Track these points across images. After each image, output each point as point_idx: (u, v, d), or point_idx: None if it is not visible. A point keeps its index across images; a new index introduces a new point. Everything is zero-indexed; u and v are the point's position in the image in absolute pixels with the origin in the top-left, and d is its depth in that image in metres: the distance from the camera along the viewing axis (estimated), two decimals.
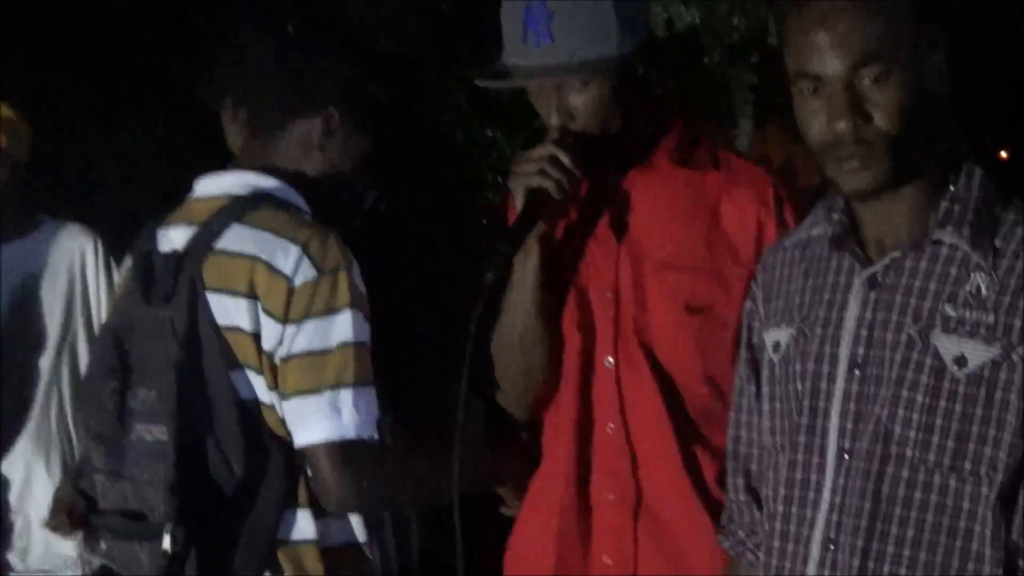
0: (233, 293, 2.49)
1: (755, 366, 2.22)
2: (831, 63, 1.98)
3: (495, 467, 2.72)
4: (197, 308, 2.48)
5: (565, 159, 2.46)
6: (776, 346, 2.16)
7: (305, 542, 2.52)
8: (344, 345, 2.48)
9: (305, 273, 2.49)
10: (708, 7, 7.41)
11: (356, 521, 2.58)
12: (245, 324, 2.48)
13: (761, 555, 2.20)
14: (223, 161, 2.65)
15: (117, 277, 3.83)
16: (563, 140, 2.48)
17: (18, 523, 3.76)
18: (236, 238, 2.51)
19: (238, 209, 2.54)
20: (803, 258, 2.17)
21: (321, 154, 2.62)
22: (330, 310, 2.48)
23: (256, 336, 2.49)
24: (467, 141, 7.33)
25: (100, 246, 3.87)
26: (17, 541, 3.77)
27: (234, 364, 2.47)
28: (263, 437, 2.48)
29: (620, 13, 2.48)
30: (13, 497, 3.76)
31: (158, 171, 6.52)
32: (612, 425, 2.55)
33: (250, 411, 2.48)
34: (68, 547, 3.76)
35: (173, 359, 2.45)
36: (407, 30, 6.72)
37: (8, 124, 3.80)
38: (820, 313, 2.09)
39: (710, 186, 2.54)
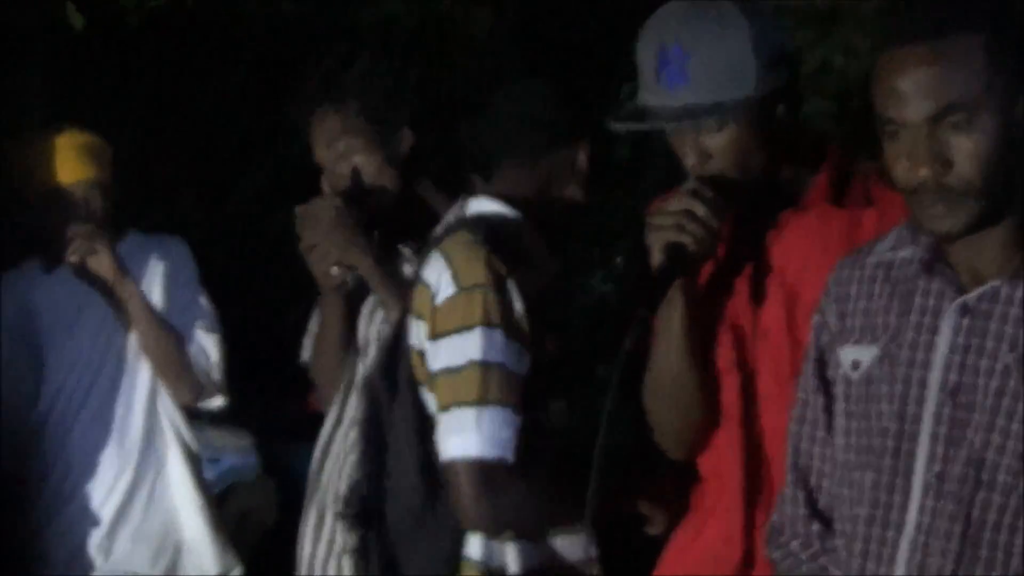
0: (418, 316, 2.70)
1: (823, 379, 2.23)
2: (913, 110, 1.99)
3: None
4: (401, 329, 2.76)
5: (702, 212, 2.40)
6: (855, 364, 2.16)
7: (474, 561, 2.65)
8: (473, 364, 2.57)
9: (446, 290, 2.62)
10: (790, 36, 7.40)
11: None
12: (417, 344, 2.70)
13: (812, 567, 2.22)
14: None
15: (196, 284, 3.91)
16: (700, 191, 2.42)
17: (107, 521, 3.81)
18: (430, 265, 2.70)
19: (440, 237, 2.74)
20: (887, 278, 2.17)
21: (575, 184, 2.74)
22: (463, 327, 2.58)
23: (422, 354, 2.68)
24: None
25: (182, 250, 3.93)
26: (105, 540, 3.81)
27: (418, 382, 2.71)
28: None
29: (759, 52, 2.42)
30: (102, 499, 3.82)
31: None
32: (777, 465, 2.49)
33: (429, 428, 2.65)
34: (150, 546, 3.83)
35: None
36: None
37: (94, 151, 3.85)
38: (908, 336, 2.10)
39: (865, 225, 2.48)
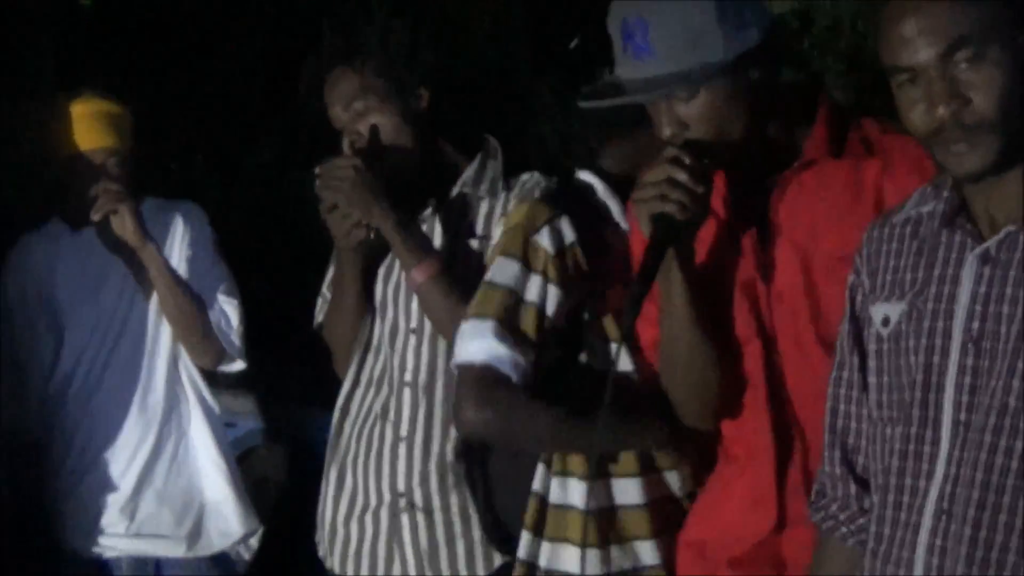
0: None
1: (859, 339, 2.23)
2: (923, 52, 1.99)
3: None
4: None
5: (683, 177, 2.36)
6: (885, 320, 2.17)
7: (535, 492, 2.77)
8: (483, 283, 2.77)
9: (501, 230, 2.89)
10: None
11: None
12: None
13: (851, 528, 2.24)
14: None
15: (208, 243, 3.92)
16: (679, 158, 2.38)
17: (131, 485, 3.83)
18: None
19: None
20: (914, 235, 2.18)
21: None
22: (491, 259, 2.80)
23: None
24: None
25: (195, 216, 3.93)
26: (129, 503, 3.83)
27: None
28: None
29: (723, 17, 2.37)
30: (126, 462, 3.84)
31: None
32: (804, 427, 2.51)
33: None
34: (174, 509, 3.85)
35: None
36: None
37: (115, 120, 3.86)
38: (932, 289, 2.11)
39: (869, 174, 2.46)
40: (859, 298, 2.24)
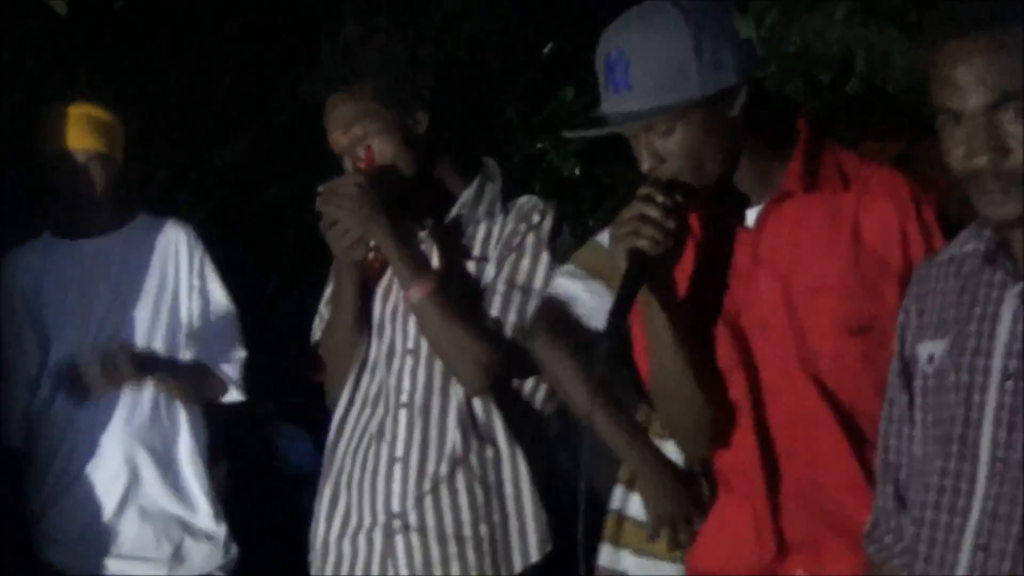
0: None
1: (908, 377, 2.26)
2: (970, 100, 2.02)
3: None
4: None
5: (654, 214, 2.42)
6: (931, 358, 2.20)
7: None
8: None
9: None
10: (761, 20, 7.44)
11: None
12: None
13: (904, 560, 2.25)
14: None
15: (209, 270, 3.92)
16: (651, 195, 2.43)
17: (113, 503, 3.82)
18: None
19: None
20: (956, 274, 2.21)
21: None
22: None
23: None
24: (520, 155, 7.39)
25: (192, 236, 3.94)
26: (112, 520, 3.82)
27: None
28: None
29: (700, 54, 2.44)
30: (110, 479, 3.82)
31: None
32: (790, 447, 2.55)
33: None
34: (156, 528, 3.84)
35: None
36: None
37: (105, 127, 3.89)
38: (973, 326, 2.14)
39: (845, 205, 2.52)
40: (908, 337, 2.28)
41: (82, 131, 3.85)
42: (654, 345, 2.54)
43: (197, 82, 6.32)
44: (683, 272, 2.55)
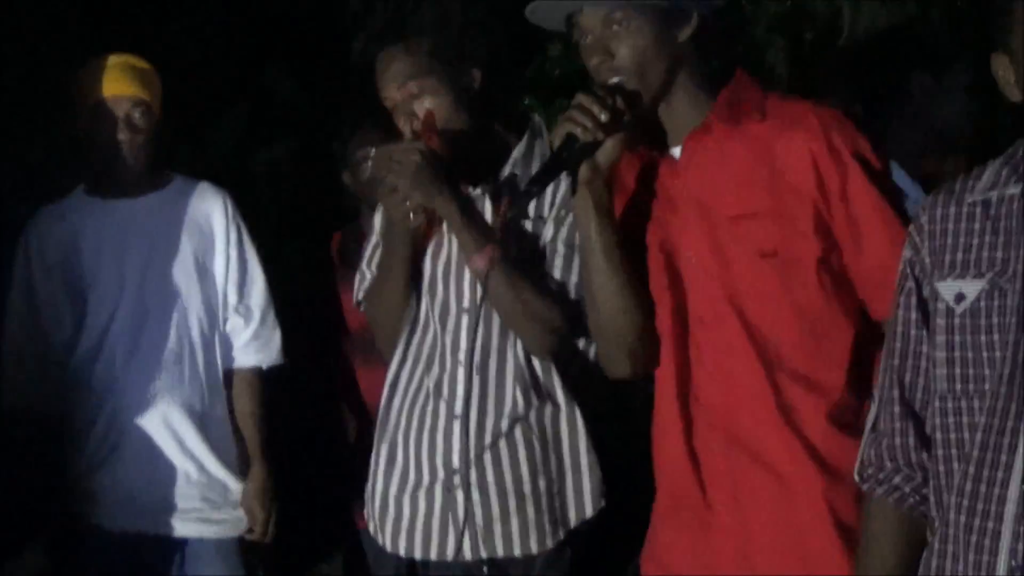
0: None
1: (923, 312, 2.29)
2: None
3: None
4: None
5: (591, 105, 2.59)
6: (959, 297, 2.23)
7: None
8: None
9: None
10: None
11: None
12: None
13: (917, 498, 2.31)
14: None
15: (247, 241, 3.92)
16: (592, 91, 2.62)
17: (159, 464, 3.80)
18: None
19: None
20: (987, 215, 2.24)
21: None
22: None
23: None
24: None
25: (230, 203, 3.92)
26: (157, 481, 3.81)
27: None
28: None
29: None
30: (156, 441, 3.80)
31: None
32: (708, 377, 2.67)
33: None
34: (203, 491, 3.84)
35: None
36: None
37: (145, 75, 3.86)
38: (1020, 268, 2.17)
39: (761, 136, 2.64)
40: (918, 274, 2.30)
41: (124, 78, 3.81)
42: (585, 250, 2.71)
43: (194, 49, 6.30)
44: (619, 200, 2.73)
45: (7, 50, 6.08)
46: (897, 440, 2.34)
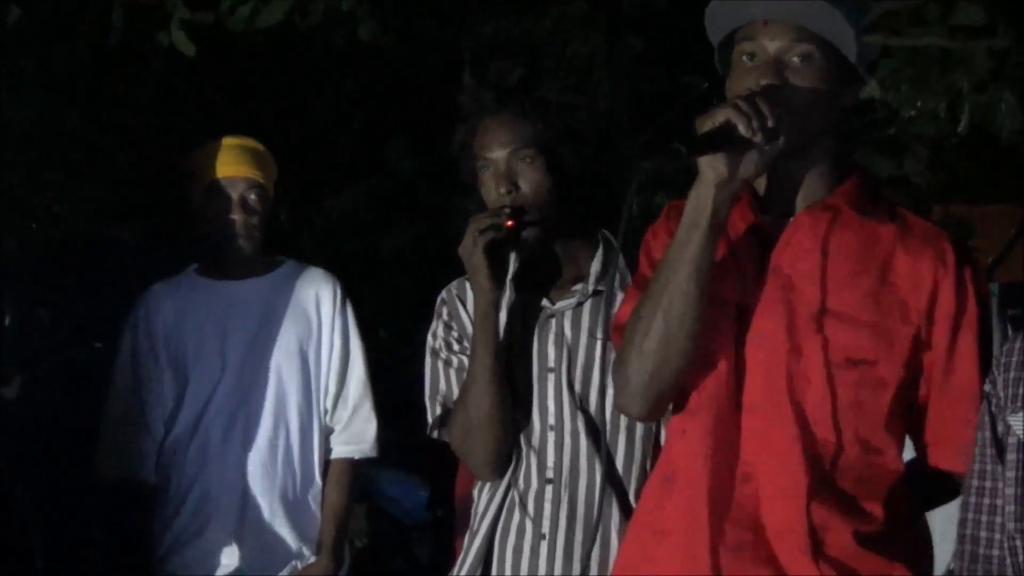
0: None
1: (1000, 448, 2.26)
2: None
3: None
4: None
5: (764, 106, 2.35)
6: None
7: None
8: None
9: None
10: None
11: None
12: None
13: None
14: None
15: (353, 330, 3.93)
16: (768, 91, 2.39)
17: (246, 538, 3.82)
18: None
19: None
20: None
21: None
22: None
23: None
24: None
25: (339, 290, 3.93)
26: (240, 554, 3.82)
27: None
28: None
29: (856, 23, 2.44)
30: (231, 508, 3.82)
31: None
32: (747, 471, 2.45)
33: None
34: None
35: None
36: None
37: (260, 157, 3.91)
38: None
39: (884, 238, 2.46)
40: (995, 409, 2.27)
41: (239, 160, 3.86)
42: (671, 262, 2.41)
43: (319, 129, 6.41)
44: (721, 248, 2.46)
45: (127, 128, 6.24)
46: None
